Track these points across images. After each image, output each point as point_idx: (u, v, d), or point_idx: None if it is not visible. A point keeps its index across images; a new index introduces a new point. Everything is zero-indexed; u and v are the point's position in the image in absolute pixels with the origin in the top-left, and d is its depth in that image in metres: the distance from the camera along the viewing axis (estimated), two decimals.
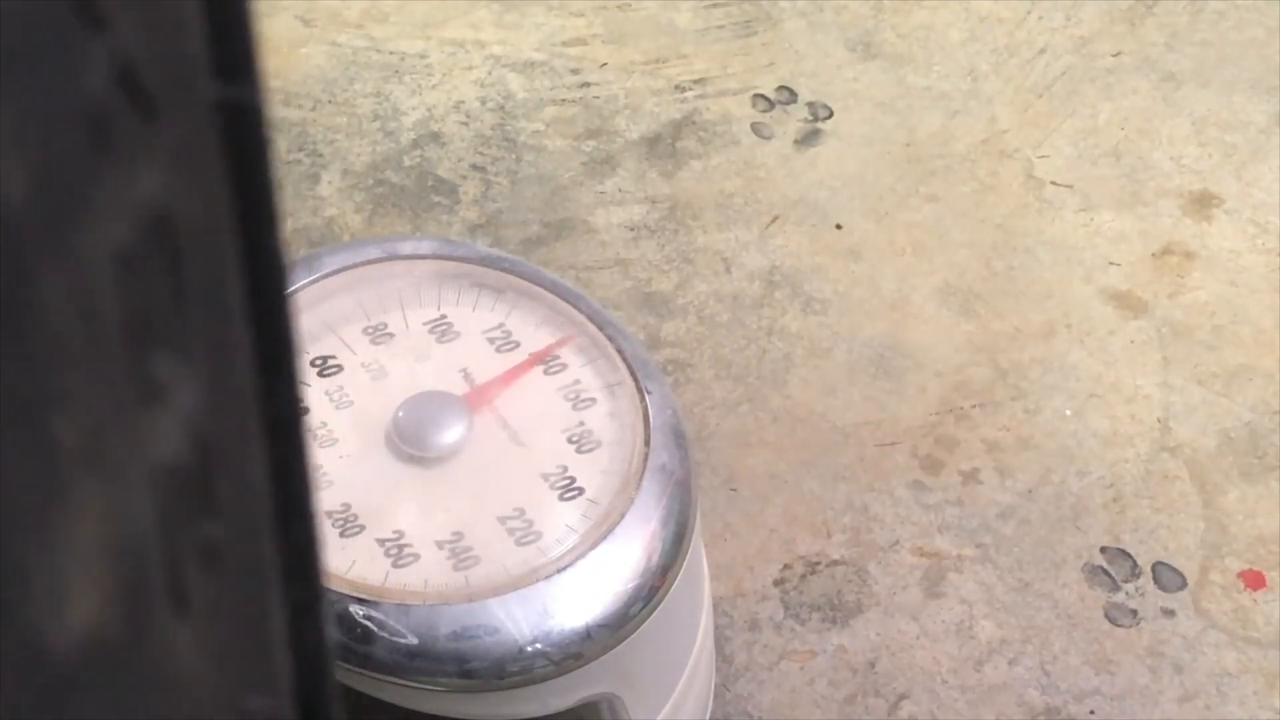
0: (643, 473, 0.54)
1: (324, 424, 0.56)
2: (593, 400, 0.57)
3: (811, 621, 0.75)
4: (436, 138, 1.01)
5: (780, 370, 0.86)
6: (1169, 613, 0.75)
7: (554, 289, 0.60)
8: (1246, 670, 0.73)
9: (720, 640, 0.74)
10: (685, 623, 0.60)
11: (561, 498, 0.54)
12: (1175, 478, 0.81)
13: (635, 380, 0.57)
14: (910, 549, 0.78)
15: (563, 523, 0.53)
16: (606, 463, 0.55)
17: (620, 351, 0.58)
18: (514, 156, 1.00)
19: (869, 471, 0.81)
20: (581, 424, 0.56)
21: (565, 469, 0.55)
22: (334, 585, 0.51)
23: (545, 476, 0.54)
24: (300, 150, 1.00)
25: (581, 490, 0.54)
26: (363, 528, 0.53)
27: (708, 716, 0.67)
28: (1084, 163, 1.00)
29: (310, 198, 0.96)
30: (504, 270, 0.61)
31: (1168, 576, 0.77)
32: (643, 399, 0.56)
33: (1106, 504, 0.80)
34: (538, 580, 0.51)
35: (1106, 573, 0.77)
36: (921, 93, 1.05)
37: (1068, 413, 0.85)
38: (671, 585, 0.53)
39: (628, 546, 0.52)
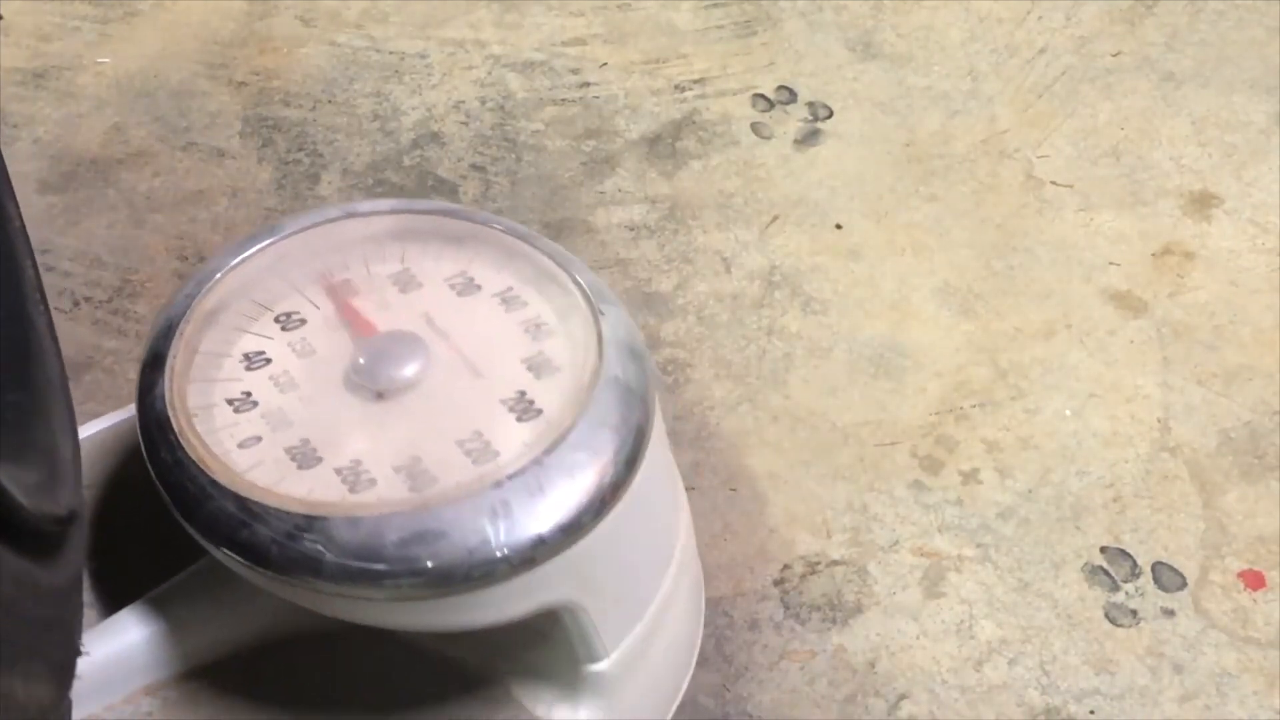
0: (595, 386, 0.55)
1: (285, 371, 0.57)
2: (551, 329, 0.58)
3: (811, 621, 0.75)
4: (436, 138, 1.01)
5: (780, 370, 0.86)
6: (1169, 613, 0.75)
7: (511, 232, 0.62)
8: (1246, 670, 0.73)
9: (720, 640, 0.74)
10: (653, 536, 0.61)
11: (519, 419, 0.55)
12: (1175, 478, 0.81)
13: (589, 304, 0.58)
14: (910, 549, 0.78)
15: (519, 440, 0.54)
16: (563, 383, 0.56)
17: (576, 281, 0.59)
18: (514, 156, 1.00)
19: (869, 471, 0.81)
20: (540, 352, 0.57)
21: (524, 394, 0.56)
22: (284, 505, 0.51)
23: (504, 402, 0.56)
24: (300, 150, 1.00)
25: (540, 411, 0.55)
26: (320, 459, 0.54)
27: (698, 645, 0.68)
28: (1084, 163, 1.00)
29: (310, 198, 0.96)
30: (462, 219, 0.62)
31: (1168, 576, 0.77)
32: (596, 321, 0.57)
33: (1106, 504, 0.80)
34: (486, 487, 0.52)
35: (1106, 573, 0.77)
36: (921, 93, 1.05)
37: (1068, 413, 0.85)
38: (625, 491, 0.54)
39: (578, 453, 0.53)
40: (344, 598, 0.52)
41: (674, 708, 0.66)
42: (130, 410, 0.63)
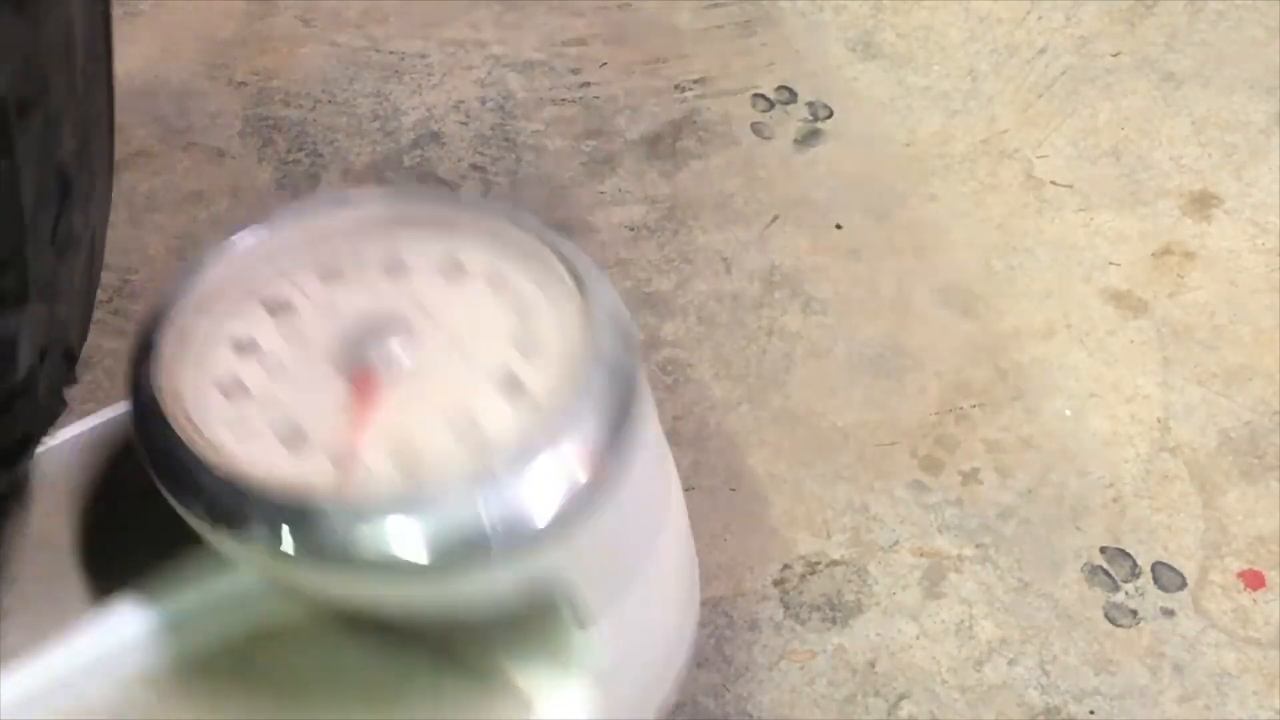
0: (583, 365, 0.55)
1: (274, 356, 0.57)
2: (538, 309, 0.58)
3: (811, 621, 0.75)
4: (436, 137, 1.01)
5: (780, 370, 0.86)
6: (1169, 613, 0.75)
7: (499, 214, 0.62)
8: (1246, 670, 0.73)
9: (720, 640, 0.74)
10: (644, 506, 0.61)
11: (508, 399, 0.55)
12: (1175, 478, 0.81)
13: (576, 281, 0.59)
14: (910, 549, 0.78)
15: (507, 420, 0.54)
16: (551, 362, 0.56)
17: (562, 258, 0.60)
18: (514, 156, 1.00)
19: (869, 471, 0.81)
20: (528, 332, 0.58)
21: (512, 373, 0.56)
22: (279, 494, 0.52)
23: (492, 381, 0.56)
24: (300, 150, 1.00)
25: (528, 390, 0.55)
26: (309, 441, 0.54)
27: (693, 621, 0.68)
28: (1084, 163, 1.00)
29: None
30: (450, 205, 0.63)
31: (1168, 576, 0.77)
32: (584, 298, 0.58)
33: (1106, 504, 0.80)
34: (479, 472, 0.52)
35: (1106, 573, 0.77)
36: (921, 93, 1.05)
37: (1068, 413, 0.85)
38: (617, 474, 0.54)
39: (568, 436, 0.53)
40: (335, 581, 0.52)
41: (672, 679, 0.66)
42: (118, 408, 0.63)
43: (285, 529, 0.51)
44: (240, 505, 0.52)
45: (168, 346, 0.57)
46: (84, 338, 0.63)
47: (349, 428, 0.55)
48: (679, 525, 0.65)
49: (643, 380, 0.57)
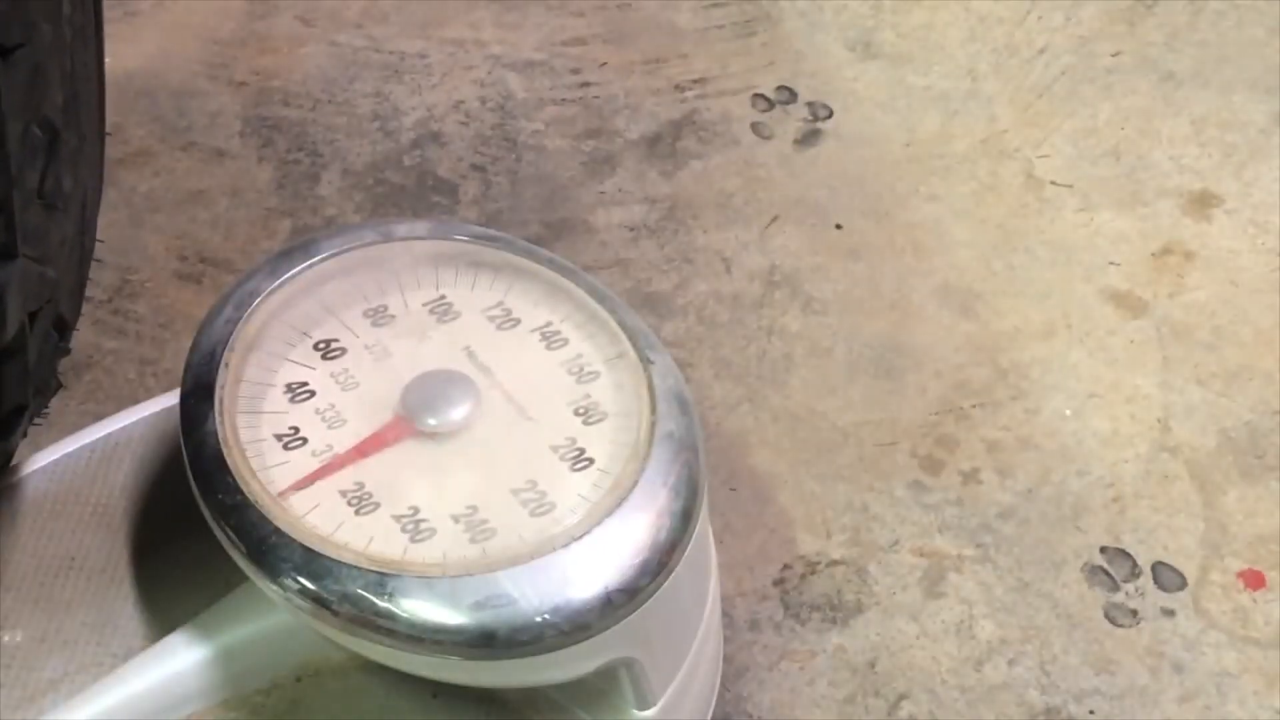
0: (651, 441, 0.55)
1: (331, 405, 0.56)
2: (596, 373, 0.57)
3: (811, 621, 0.75)
4: (436, 137, 1.01)
5: (780, 370, 0.86)
6: (1169, 613, 0.75)
7: (551, 265, 0.61)
8: (1246, 670, 0.73)
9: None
10: (697, 585, 0.60)
11: (572, 469, 0.54)
12: (1175, 478, 0.81)
13: (637, 351, 0.58)
14: (910, 549, 0.78)
15: (575, 493, 0.53)
16: (614, 433, 0.55)
17: (621, 324, 0.59)
18: (514, 156, 1.00)
19: (869, 471, 0.81)
20: (587, 396, 0.57)
21: (574, 440, 0.55)
22: (354, 561, 0.51)
23: (555, 449, 0.55)
24: (300, 150, 1.00)
25: (592, 460, 0.54)
26: (378, 505, 0.53)
27: (718, 678, 0.67)
28: (1084, 163, 1.00)
29: (310, 197, 0.96)
30: (500, 248, 0.61)
31: (1168, 576, 0.77)
32: (645, 369, 0.57)
33: (1106, 504, 0.80)
34: (554, 550, 0.51)
35: (1106, 573, 0.77)
36: (921, 93, 1.05)
37: (1068, 413, 0.85)
38: (684, 552, 0.54)
39: (641, 515, 0.53)
40: (409, 655, 0.51)
41: None
42: (141, 410, 0.62)
43: (365, 608, 0.50)
44: (319, 580, 0.50)
45: (225, 393, 0.55)
46: (77, 310, 0.62)
47: (416, 492, 0.53)
48: (715, 588, 0.64)
49: (703, 455, 0.56)
